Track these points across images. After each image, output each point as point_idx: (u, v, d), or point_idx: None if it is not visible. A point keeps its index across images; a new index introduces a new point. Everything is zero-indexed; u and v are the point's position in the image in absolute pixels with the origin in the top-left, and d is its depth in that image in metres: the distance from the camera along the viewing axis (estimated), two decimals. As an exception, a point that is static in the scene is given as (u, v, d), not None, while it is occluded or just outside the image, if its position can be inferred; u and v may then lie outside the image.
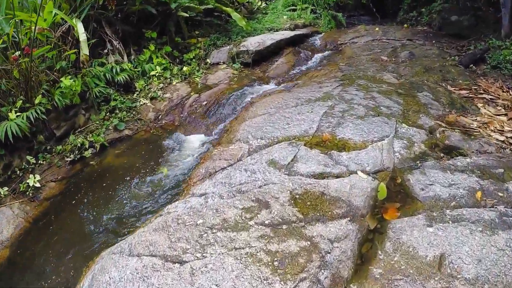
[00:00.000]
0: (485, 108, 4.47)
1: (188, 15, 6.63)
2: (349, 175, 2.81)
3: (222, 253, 2.16)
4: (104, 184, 3.98)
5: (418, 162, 3.18)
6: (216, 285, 1.97)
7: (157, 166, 4.12)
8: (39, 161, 4.31)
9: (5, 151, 4.04)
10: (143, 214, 3.34)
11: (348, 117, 3.67)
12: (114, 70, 5.41)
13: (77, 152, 4.46)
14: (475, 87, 4.96)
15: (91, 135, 4.75)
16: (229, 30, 7.49)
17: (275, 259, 2.12)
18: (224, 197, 2.63)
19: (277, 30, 7.93)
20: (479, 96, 4.74)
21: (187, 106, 5.31)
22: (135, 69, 5.95)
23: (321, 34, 8.69)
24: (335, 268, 2.12)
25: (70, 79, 4.53)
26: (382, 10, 11.67)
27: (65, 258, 3.11)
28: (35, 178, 3.94)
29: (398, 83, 4.92)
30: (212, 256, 2.15)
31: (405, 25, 9.21)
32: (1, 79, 4.14)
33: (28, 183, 3.87)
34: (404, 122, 3.71)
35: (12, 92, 4.25)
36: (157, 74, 6.02)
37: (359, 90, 4.39)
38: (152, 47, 6.18)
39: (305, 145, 3.20)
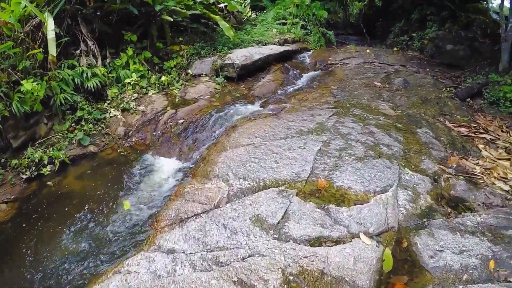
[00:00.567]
0: (486, 151, 4.17)
1: (173, 20, 6.07)
2: (351, 240, 2.31)
3: None
4: (58, 215, 3.35)
5: (425, 220, 2.78)
6: None
7: (121, 197, 3.51)
8: (-9, 176, 3.68)
9: None
10: (97, 265, 2.72)
11: (346, 157, 3.19)
12: (85, 75, 4.77)
13: (34, 168, 3.90)
14: (474, 125, 4.65)
15: (51, 148, 4.17)
16: (215, 39, 6.95)
17: None
18: (197, 268, 2.06)
19: (265, 44, 7.47)
20: (479, 135, 4.43)
21: (161, 123, 4.72)
22: (109, 75, 5.32)
23: (310, 51, 8.32)
24: None
25: (33, 82, 3.94)
26: (372, 31, 11.50)
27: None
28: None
29: (395, 115, 4.53)
30: None
31: (395, 48, 9.00)
32: None
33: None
34: (407, 166, 3.28)
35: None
36: (132, 82, 5.40)
37: (355, 122, 3.94)
38: (130, 51, 5.55)
39: (297, 194, 2.67)
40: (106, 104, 5.06)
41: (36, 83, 4.01)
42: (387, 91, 5.51)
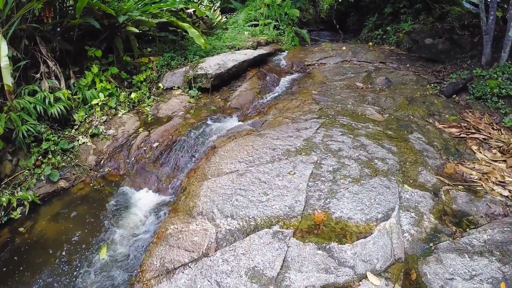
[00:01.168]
0: (480, 152, 4.01)
1: (139, 30, 5.61)
2: (359, 284, 2.03)
3: None
4: (29, 271, 2.91)
5: (431, 244, 2.54)
6: None
7: (98, 242, 3.11)
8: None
9: None
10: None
11: (341, 180, 2.89)
12: (47, 101, 4.27)
13: (3, 213, 3.49)
14: (464, 124, 4.48)
15: (19, 188, 3.74)
16: (186, 48, 6.53)
17: None
18: None
19: (238, 49, 7.10)
20: (471, 135, 4.26)
21: (134, 149, 4.30)
22: (75, 96, 4.84)
23: (285, 52, 8.04)
24: None
25: (-11, 116, 3.43)
26: (345, 26, 11.33)
27: None
28: None
29: (383, 120, 4.29)
30: None
31: (370, 43, 8.83)
32: None
33: None
34: (405, 182, 3.03)
35: None
36: (100, 103, 4.93)
37: (344, 134, 3.66)
38: (95, 69, 5.05)
39: (294, 235, 2.35)
40: (73, 130, 4.58)
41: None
42: (371, 93, 5.28)
